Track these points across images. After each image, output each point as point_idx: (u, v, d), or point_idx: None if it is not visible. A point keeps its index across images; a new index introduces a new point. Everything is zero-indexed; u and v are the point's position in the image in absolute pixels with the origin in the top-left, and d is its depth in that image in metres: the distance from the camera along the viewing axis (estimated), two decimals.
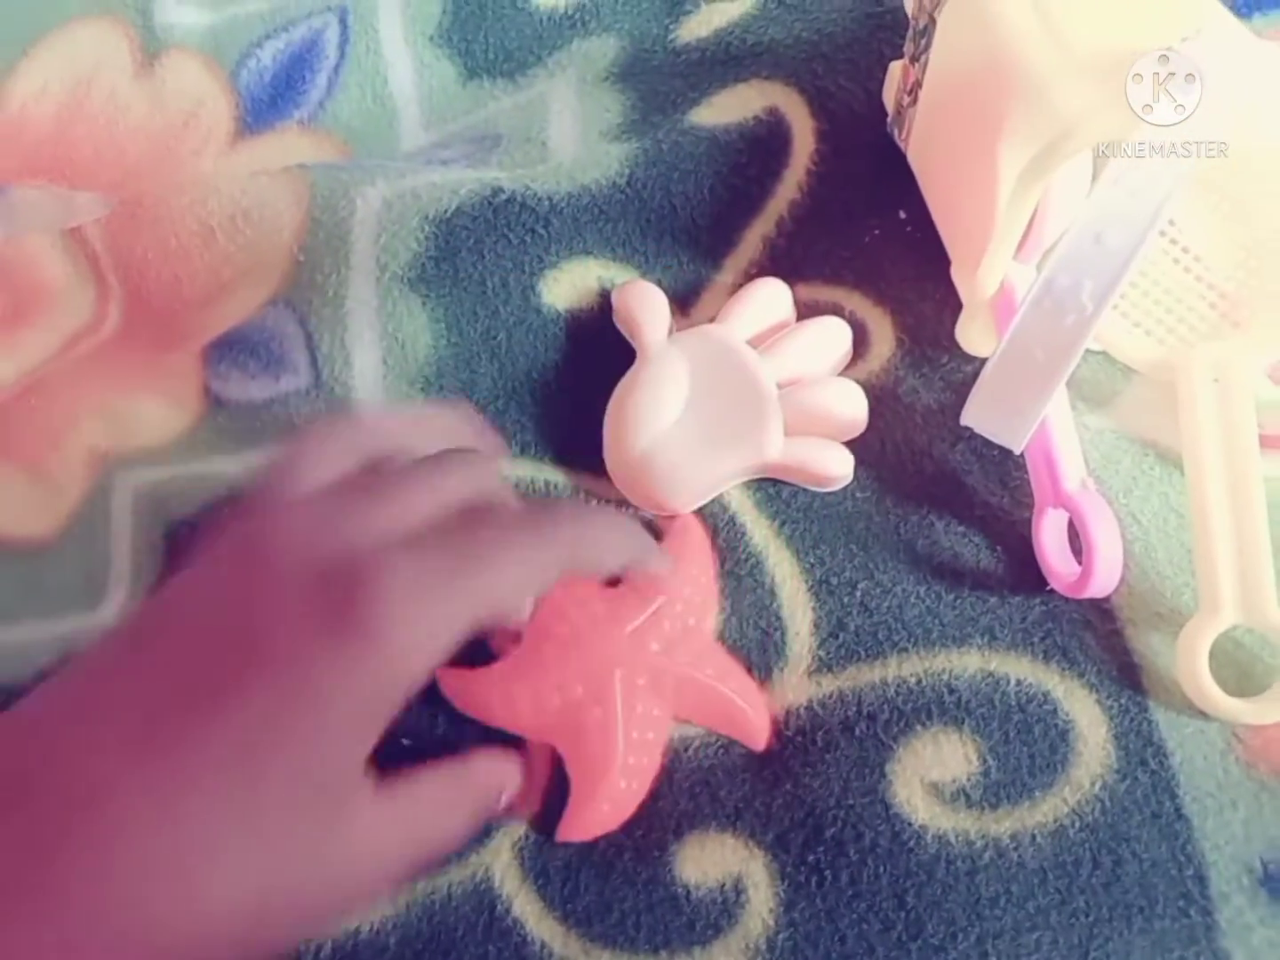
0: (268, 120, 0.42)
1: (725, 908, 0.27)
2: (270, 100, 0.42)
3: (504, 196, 0.34)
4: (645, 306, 0.32)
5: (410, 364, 0.34)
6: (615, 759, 0.27)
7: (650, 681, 0.28)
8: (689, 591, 0.29)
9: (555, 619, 0.29)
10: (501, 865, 0.28)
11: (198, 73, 0.43)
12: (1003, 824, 0.27)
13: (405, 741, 0.29)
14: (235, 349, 0.35)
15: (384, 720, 0.22)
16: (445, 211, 0.34)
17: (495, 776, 0.27)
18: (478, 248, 0.34)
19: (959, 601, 0.30)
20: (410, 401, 0.33)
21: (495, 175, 0.36)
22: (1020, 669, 0.29)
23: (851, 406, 0.31)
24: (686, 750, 0.29)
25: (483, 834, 0.29)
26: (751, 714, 0.29)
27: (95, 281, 0.40)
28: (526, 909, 0.28)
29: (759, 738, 0.29)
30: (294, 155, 0.41)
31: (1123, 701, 0.28)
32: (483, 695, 0.29)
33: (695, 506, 0.31)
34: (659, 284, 0.33)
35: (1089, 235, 0.25)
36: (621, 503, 0.32)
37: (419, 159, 0.39)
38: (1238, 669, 0.28)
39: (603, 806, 0.28)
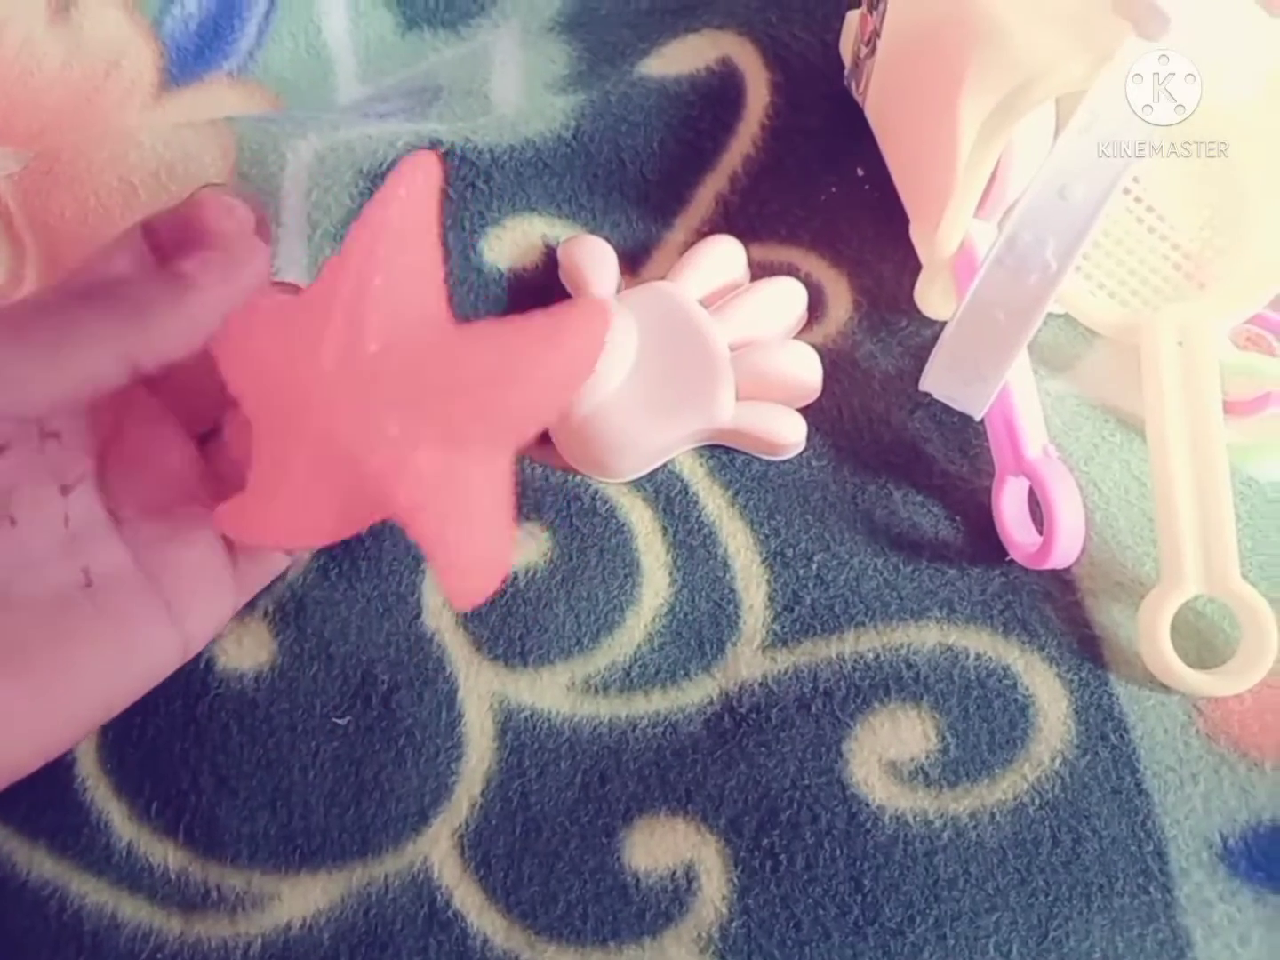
0: (194, 71, 0.40)
1: (676, 896, 0.26)
2: (197, 50, 0.40)
3: (442, 149, 0.33)
4: (592, 261, 0.31)
5: None
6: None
7: (404, 413, 0.21)
8: (380, 280, 0.22)
9: (258, 383, 0.23)
10: (440, 854, 0.27)
11: (118, 20, 0.40)
12: (961, 803, 0.26)
13: (337, 720, 0.28)
14: None
15: None
16: (380, 165, 0.33)
17: None
18: None
19: (917, 573, 0.29)
20: None
21: (434, 128, 0.34)
22: (980, 642, 0.28)
23: (806, 370, 0.30)
24: (634, 730, 0.28)
25: (419, 821, 0.27)
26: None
27: (9, 242, 0.37)
28: (468, 901, 0.27)
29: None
30: (223, 108, 0.39)
31: (1083, 675, 0.28)
32: (253, 525, 0.24)
33: (643, 472, 0.30)
34: (607, 242, 0.32)
35: (1052, 189, 0.24)
36: (566, 469, 0.30)
37: (354, 112, 0.37)
38: (1199, 640, 0.27)
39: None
